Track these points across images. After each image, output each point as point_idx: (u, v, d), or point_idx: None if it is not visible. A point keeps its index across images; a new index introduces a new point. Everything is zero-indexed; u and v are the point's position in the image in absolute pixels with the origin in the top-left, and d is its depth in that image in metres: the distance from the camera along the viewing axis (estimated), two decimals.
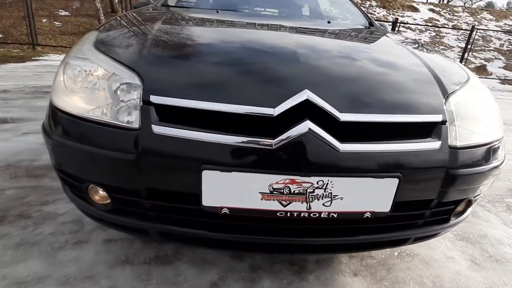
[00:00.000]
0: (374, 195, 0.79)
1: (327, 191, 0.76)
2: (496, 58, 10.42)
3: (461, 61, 7.69)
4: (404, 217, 0.89)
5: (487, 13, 14.96)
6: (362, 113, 0.79)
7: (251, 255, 1.15)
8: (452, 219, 0.98)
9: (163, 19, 1.27)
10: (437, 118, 0.84)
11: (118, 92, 0.80)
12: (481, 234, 1.45)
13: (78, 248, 1.15)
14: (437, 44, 11.07)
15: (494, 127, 0.95)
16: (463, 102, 0.92)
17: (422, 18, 13.20)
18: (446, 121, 0.85)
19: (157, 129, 0.73)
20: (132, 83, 0.80)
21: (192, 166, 0.73)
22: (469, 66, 8.92)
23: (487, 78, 7.99)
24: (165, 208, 0.82)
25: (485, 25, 13.15)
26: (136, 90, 0.78)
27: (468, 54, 8.34)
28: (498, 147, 0.94)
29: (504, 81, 8.01)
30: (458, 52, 10.32)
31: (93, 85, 0.83)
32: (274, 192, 0.75)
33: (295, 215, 0.78)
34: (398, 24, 8.23)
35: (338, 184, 0.75)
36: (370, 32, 1.58)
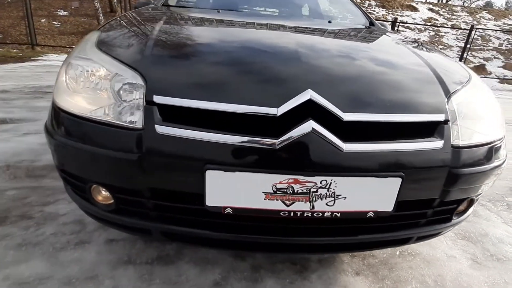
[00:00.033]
0: (377, 195, 0.79)
1: (330, 191, 0.76)
2: (495, 58, 10.44)
3: (460, 61, 7.70)
4: (406, 216, 0.89)
5: (486, 12, 14.98)
6: (365, 113, 0.79)
7: (253, 254, 1.15)
8: (454, 218, 0.98)
9: (165, 19, 1.27)
10: (440, 117, 0.84)
11: (121, 92, 0.80)
12: (482, 233, 1.46)
13: (80, 248, 1.15)
14: (436, 44, 11.08)
15: (496, 127, 0.95)
16: (465, 102, 0.92)
17: (421, 18, 13.21)
18: (449, 121, 0.85)
19: (161, 129, 0.73)
20: (135, 83, 0.80)
21: (196, 166, 0.73)
22: (468, 65, 8.93)
23: (486, 77, 8.00)
24: (168, 208, 0.82)
25: (484, 25, 13.17)
26: (139, 90, 0.78)
27: (467, 54, 8.36)
28: (500, 146, 0.95)
29: (503, 80, 8.03)
30: (457, 51, 10.33)
31: (95, 85, 0.83)
32: (277, 192, 0.75)
33: (298, 214, 0.78)
34: (398, 23, 8.24)
35: (341, 184, 0.75)
36: (371, 31, 1.58)
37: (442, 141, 0.82)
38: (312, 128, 0.73)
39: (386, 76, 0.95)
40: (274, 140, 0.72)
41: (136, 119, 0.76)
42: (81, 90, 0.84)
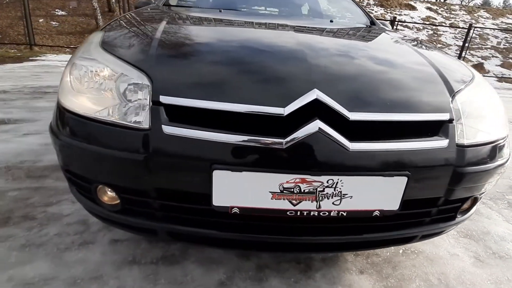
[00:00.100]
0: (383, 194, 0.79)
1: (337, 190, 0.76)
2: (493, 56, 10.49)
3: (459, 59, 7.72)
4: (412, 215, 0.90)
5: (484, 11, 15.03)
6: (370, 112, 0.79)
7: (257, 254, 1.16)
8: (458, 216, 0.99)
9: (168, 19, 1.27)
10: (445, 116, 0.85)
11: (127, 92, 0.80)
12: (483, 231, 1.47)
13: (84, 249, 1.15)
14: (434, 43, 11.11)
15: (500, 125, 0.96)
16: (469, 101, 0.92)
17: (419, 17, 13.24)
18: (453, 120, 0.86)
19: (167, 129, 0.73)
20: (141, 84, 0.80)
21: (203, 166, 0.73)
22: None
23: (484, 76, 8.03)
24: (174, 208, 0.82)
25: (482, 23, 13.22)
26: (145, 91, 0.78)
27: (465, 52, 8.38)
28: (504, 145, 0.95)
29: (501, 79, 8.07)
30: (456, 50, 10.37)
31: (100, 86, 0.83)
32: (284, 192, 0.75)
33: (305, 214, 0.78)
34: (396, 22, 8.25)
35: (347, 183, 0.76)
36: (373, 31, 1.59)
37: (447, 140, 0.83)
38: (319, 127, 0.73)
39: (390, 75, 0.95)
40: (281, 140, 0.72)
41: (142, 120, 0.76)
42: (86, 90, 0.84)
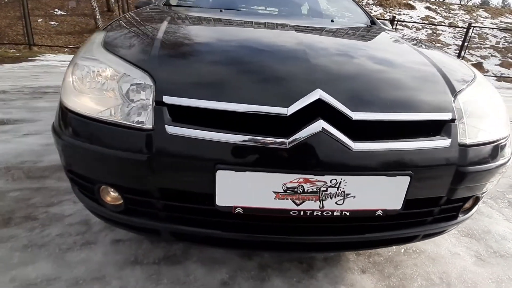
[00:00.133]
0: (386, 193, 0.79)
1: (340, 190, 0.76)
2: (492, 56, 10.51)
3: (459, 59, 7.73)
4: (414, 214, 0.90)
5: (482, 10, 15.06)
6: (373, 112, 0.79)
7: (259, 254, 1.16)
8: (460, 216, 0.99)
9: (169, 19, 1.27)
10: (447, 116, 0.85)
11: (130, 92, 0.80)
12: (484, 230, 1.47)
13: (86, 249, 1.15)
14: (434, 42, 11.13)
15: (501, 125, 0.96)
16: (471, 100, 0.93)
17: (418, 16, 13.26)
18: (455, 119, 0.86)
19: (171, 129, 0.73)
20: (144, 84, 0.79)
21: (206, 166, 0.73)
22: None
23: (483, 75, 8.05)
24: (178, 208, 0.82)
25: (481, 23, 13.24)
26: (148, 91, 0.78)
27: (464, 52, 8.39)
28: (505, 145, 0.95)
29: (500, 78, 8.08)
30: (455, 49, 10.38)
31: (103, 86, 0.83)
32: (287, 191, 0.75)
33: (308, 213, 0.79)
34: (395, 22, 8.26)
35: (350, 183, 0.76)
36: (374, 30, 1.59)
37: (450, 140, 0.83)
38: (322, 127, 0.73)
39: (393, 75, 0.95)
40: (285, 140, 0.73)
41: (145, 120, 0.76)
42: (88, 90, 0.84)
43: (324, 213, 0.79)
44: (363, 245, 0.96)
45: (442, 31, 12.16)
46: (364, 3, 13.47)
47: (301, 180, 0.74)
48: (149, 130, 0.75)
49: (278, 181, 0.74)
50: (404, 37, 1.50)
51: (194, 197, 0.80)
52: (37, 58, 6.02)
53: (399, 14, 12.78)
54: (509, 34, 11.93)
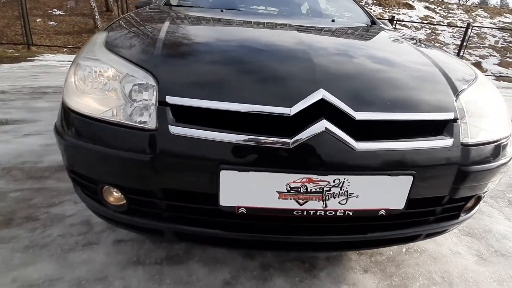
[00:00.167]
0: (388, 193, 0.80)
1: (343, 189, 0.76)
2: (491, 55, 10.54)
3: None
4: (417, 214, 0.90)
5: (481, 10, 15.09)
6: (376, 112, 0.79)
7: (262, 253, 1.16)
8: (462, 215, 1.00)
9: (171, 19, 1.27)
10: (449, 115, 0.85)
11: (133, 93, 0.80)
12: (485, 229, 1.47)
13: (88, 249, 1.14)
14: (432, 42, 11.15)
15: (503, 124, 0.96)
16: (473, 100, 0.93)
17: (417, 16, 13.29)
18: (458, 119, 0.86)
19: (174, 129, 0.73)
20: (147, 84, 0.79)
21: (210, 166, 0.73)
22: None
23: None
24: (181, 208, 0.82)
25: (480, 22, 13.28)
26: (152, 91, 0.78)
27: (463, 51, 8.41)
28: (507, 144, 0.96)
29: (499, 77, 8.11)
30: (454, 49, 10.41)
31: (105, 86, 0.83)
32: (291, 191, 0.75)
33: (311, 213, 0.79)
34: (395, 22, 8.27)
35: (354, 182, 0.76)
36: (375, 30, 1.59)
37: (452, 139, 0.83)
38: (325, 127, 0.73)
39: (395, 75, 0.96)
40: (288, 140, 0.73)
41: (148, 120, 0.76)
42: (91, 90, 0.83)
43: (327, 213, 0.79)
44: (366, 245, 0.96)
45: (441, 30, 12.18)
46: (363, 3, 13.48)
47: (304, 180, 0.74)
48: (153, 131, 0.75)
49: (282, 181, 0.74)
50: (406, 37, 1.50)
51: (197, 197, 0.80)
52: (36, 58, 6.01)
53: (398, 14, 12.80)
54: (508, 34, 11.96)
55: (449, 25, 12.27)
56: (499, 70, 9.01)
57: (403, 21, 11.48)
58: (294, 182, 0.74)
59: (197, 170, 0.75)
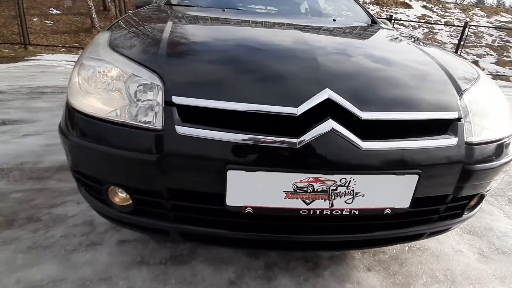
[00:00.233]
0: (394, 192, 0.80)
1: (350, 189, 0.77)
2: (487, 54, 10.60)
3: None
4: (421, 212, 0.91)
5: (478, 9, 15.17)
6: (382, 111, 0.80)
7: (266, 253, 1.16)
8: (465, 213, 1.00)
9: (173, 18, 1.27)
10: (454, 115, 0.86)
11: (138, 93, 0.80)
12: (486, 227, 1.49)
13: (91, 250, 1.14)
14: (430, 41, 11.19)
15: (506, 123, 0.97)
16: (476, 99, 0.94)
17: (415, 15, 13.33)
18: (462, 118, 0.87)
19: (181, 130, 0.73)
20: (152, 84, 0.79)
21: (217, 166, 0.73)
22: None
23: None
24: (187, 208, 0.82)
25: (477, 21, 13.34)
26: (158, 91, 0.78)
27: (461, 51, 8.46)
28: (510, 143, 0.97)
29: (495, 76, 8.16)
30: (451, 48, 10.45)
31: (111, 86, 0.82)
32: (298, 191, 0.75)
33: (317, 212, 0.79)
34: (393, 21, 8.30)
35: (360, 182, 0.76)
36: (377, 30, 1.59)
37: (456, 138, 0.84)
38: (332, 127, 0.73)
39: (399, 74, 0.96)
40: (295, 140, 0.73)
41: (155, 120, 0.76)
42: (95, 91, 0.83)
43: (333, 212, 0.79)
44: (371, 243, 0.96)
45: (439, 29, 12.23)
46: (361, 2, 13.50)
47: (311, 179, 0.74)
48: (159, 131, 0.74)
49: (289, 180, 0.74)
50: (407, 36, 1.51)
51: (204, 197, 0.80)
52: (33, 57, 5.96)
53: (396, 13, 12.84)
54: (505, 33, 12.04)
55: (446, 24, 12.32)
56: (496, 69, 9.07)
57: (400, 20, 11.51)
58: (300, 181, 0.74)
59: (204, 170, 0.75)
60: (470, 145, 0.85)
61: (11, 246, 1.14)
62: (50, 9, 10.20)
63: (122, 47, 0.93)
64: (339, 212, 0.80)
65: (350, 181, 0.76)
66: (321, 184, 0.75)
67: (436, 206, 0.91)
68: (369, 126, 0.78)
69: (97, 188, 0.87)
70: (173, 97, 0.76)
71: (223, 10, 1.60)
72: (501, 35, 12.02)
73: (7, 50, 6.66)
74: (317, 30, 1.37)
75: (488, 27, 12.00)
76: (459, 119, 0.86)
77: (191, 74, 0.84)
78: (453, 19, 13.46)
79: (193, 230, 0.84)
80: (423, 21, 12.51)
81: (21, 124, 2.41)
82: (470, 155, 0.85)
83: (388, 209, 0.82)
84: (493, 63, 9.72)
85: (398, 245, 1.28)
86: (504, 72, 8.85)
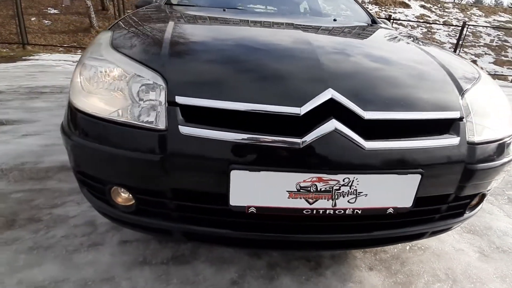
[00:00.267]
0: (397, 191, 0.80)
1: (352, 188, 0.77)
2: (486, 54, 10.64)
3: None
4: (423, 212, 0.91)
5: (476, 9, 15.22)
6: (385, 111, 0.80)
7: (268, 252, 1.16)
8: (466, 212, 1.01)
9: (175, 18, 1.26)
10: (456, 114, 0.86)
11: (141, 93, 0.79)
12: (486, 226, 1.49)
13: (93, 250, 1.14)
14: (429, 40, 11.22)
15: (507, 123, 0.97)
16: (478, 99, 0.94)
17: (413, 15, 13.36)
18: (463, 118, 0.87)
19: (184, 130, 0.73)
20: (155, 84, 0.79)
21: (220, 166, 0.73)
22: None
23: None
24: (190, 208, 0.82)
25: (475, 21, 13.39)
26: (161, 91, 0.78)
27: (459, 50, 8.48)
28: (511, 142, 0.97)
29: (493, 76, 8.19)
30: (449, 48, 10.49)
31: (113, 86, 0.82)
32: (301, 191, 0.75)
33: (320, 212, 0.79)
34: (391, 21, 8.31)
35: (363, 181, 0.77)
36: (378, 29, 1.59)
37: (459, 138, 0.84)
38: (335, 127, 0.74)
39: (401, 74, 0.96)
40: (298, 140, 0.73)
41: (158, 120, 0.76)
42: (98, 91, 0.83)
43: (336, 212, 0.80)
44: (373, 243, 0.97)
45: (437, 29, 12.27)
46: (360, 1, 13.53)
47: (314, 179, 0.74)
48: (162, 131, 0.74)
49: (292, 180, 0.74)
50: (408, 36, 1.51)
51: (207, 197, 0.80)
52: (31, 57, 5.94)
53: (395, 13, 12.87)
54: (503, 32, 12.08)
55: (445, 24, 12.36)
56: (494, 69, 9.10)
57: (399, 19, 11.54)
58: (304, 181, 0.74)
59: (207, 170, 0.75)
60: (472, 145, 0.86)
61: (12, 247, 1.13)
62: (48, 8, 10.16)
63: (124, 47, 0.92)
64: (342, 211, 0.80)
65: (353, 180, 0.76)
66: (325, 184, 0.75)
67: (438, 206, 0.92)
68: (372, 126, 0.78)
69: (100, 188, 0.87)
70: (176, 97, 0.76)
71: (224, 10, 1.60)
72: (499, 35, 12.07)
73: (5, 50, 6.63)
74: (319, 30, 1.37)
75: (486, 26, 12.04)
76: (461, 118, 0.87)
77: (194, 74, 0.83)
78: (452, 19, 13.50)
79: (196, 230, 0.84)
80: (421, 20, 12.55)
81: (20, 124, 2.40)
82: (472, 154, 0.85)
83: (390, 209, 0.82)
84: (491, 62, 9.76)
85: (400, 244, 1.29)
86: (502, 72, 8.89)
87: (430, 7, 14.53)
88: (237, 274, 1.07)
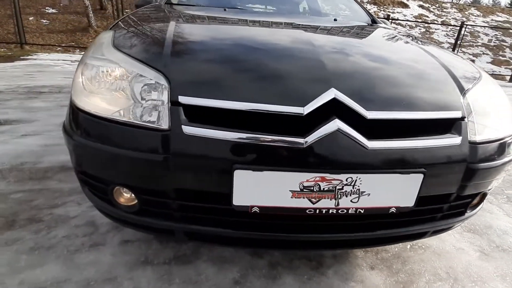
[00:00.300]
0: (399, 191, 0.81)
1: (355, 188, 0.77)
2: (484, 54, 10.69)
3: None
4: (425, 211, 0.91)
5: (474, 9, 15.28)
6: (387, 111, 0.80)
7: (270, 252, 1.16)
8: (467, 211, 1.01)
9: (176, 18, 1.26)
10: (457, 114, 0.86)
11: (143, 93, 0.79)
12: (486, 225, 1.50)
13: (95, 250, 1.14)
14: (429, 40, 11.25)
15: (508, 122, 0.98)
16: (479, 99, 0.94)
17: (412, 14, 13.39)
18: (465, 117, 0.87)
19: (188, 129, 0.73)
20: (158, 84, 0.79)
21: (224, 166, 0.73)
22: None
23: None
24: (193, 208, 0.82)
25: (473, 21, 13.44)
26: (164, 91, 0.78)
27: (457, 50, 8.51)
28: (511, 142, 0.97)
29: (491, 76, 8.22)
30: (448, 47, 10.52)
31: (115, 86, 0.82)
32: (304, 190, 0.75)
33: (323, 211, 0.79)
34: (390, 20, 8.33)
35: (366, 181, 0.77)
36: (378, 29, 1.60)
37: (460, 137, 0.84)
38: (338, 127, 0.74)
39: (403, 74, 0.96)
40: (301, 139, 0.73)
41: (161, 120, 0.76)
42: (99, 90, 0.83)
43: (339, 211, 0.80)
44: (376, 242, 0.97)
45: (435, 29, 12.30)
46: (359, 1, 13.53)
47: (317, 178, 0.75)
48: (166, 131, 0.74)
49: (295, 180, 0.74)
50: (408, 35, 1.51)
51: (210, 197, 0.80)
52: (29, 57, 5.91)
53: (393, 12, 12.89)
54: (500, 32, 12.14)
55: (443, 23, 12.40)
56: (492, 68, 9.14)
57: (397, 19, 11.56)
58: (307, 181, 0.75)
59: (210, 170, 0.75)
60: (473, 144, 0.86)
61: (13, 247, 1.13)
62: (46, 8, 10.11)
63: (126, 47, 0.92)
64: (345, 211, 0.80)
65: (356, 180, 0.76)
66: (328, 184, 0.75)
67: (439, 205, 0.92)
68: (374, 125, 0.78)
69: (102, 188, 0.86)
70: (179, 97, 0.76)
71: (225, 10, 1.59)
72: (496, 35, 12.12)
73: (3, 50, 6.60)
74: (321, 30, 1.37)
75: (484, 26, 12.09)
76: (462, 118, 0.87)
77: (197, 73, 0.83)
78: (450, 19, 13.54)
79: (199, 230, 0.84)
80: (420, 20, 12.58)
81: (19, 124, 2.39)
82: (474, 154, 0.86)
83: (393, 208, 0.83)
84: (489, 62, 9.81)
85: (401, 244, 1.29)
86: (500, 72, 8.92)
87: (429, 7, 14.56)
88: (239, 273, 1.07)
